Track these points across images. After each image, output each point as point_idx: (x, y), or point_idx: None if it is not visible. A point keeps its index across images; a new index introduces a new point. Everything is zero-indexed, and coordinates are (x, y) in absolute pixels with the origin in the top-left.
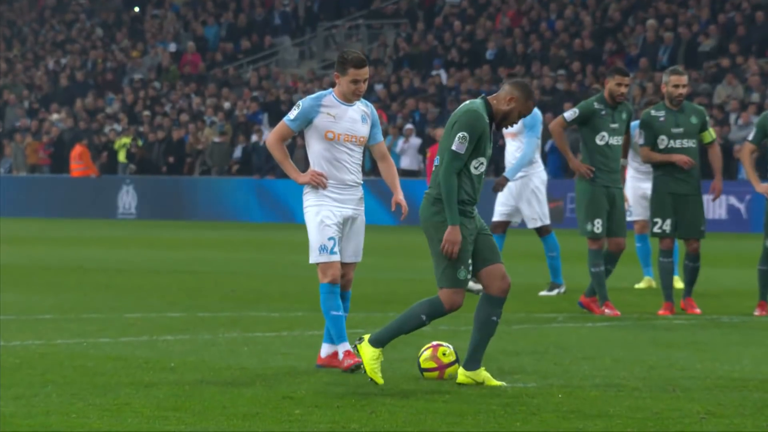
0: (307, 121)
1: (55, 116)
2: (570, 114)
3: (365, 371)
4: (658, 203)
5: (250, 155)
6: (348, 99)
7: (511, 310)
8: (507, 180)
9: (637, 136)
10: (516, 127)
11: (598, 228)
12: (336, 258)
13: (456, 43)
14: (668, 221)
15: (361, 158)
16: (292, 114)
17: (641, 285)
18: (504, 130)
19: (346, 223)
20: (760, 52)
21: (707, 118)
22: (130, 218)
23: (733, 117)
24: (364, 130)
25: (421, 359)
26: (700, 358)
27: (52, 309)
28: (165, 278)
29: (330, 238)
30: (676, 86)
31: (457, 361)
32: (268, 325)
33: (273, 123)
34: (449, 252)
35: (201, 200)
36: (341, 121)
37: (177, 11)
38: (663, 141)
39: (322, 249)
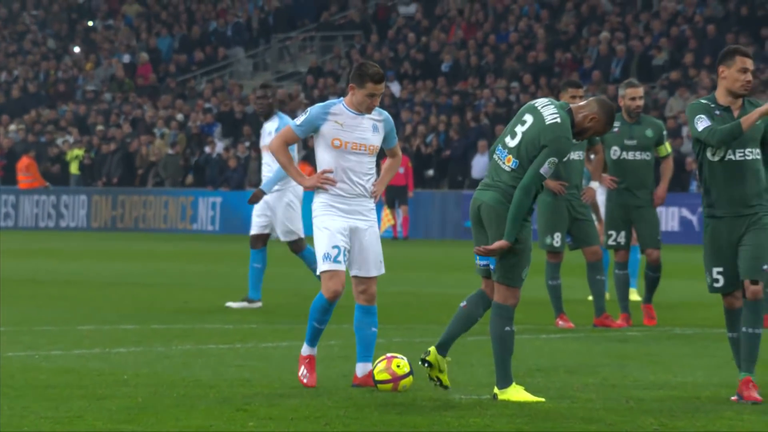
0: (313, 128)
1: (12, 127)
2: None
3: (440, 383)
4: (611, 216)
5: (204, 167)
6: (359, 110)
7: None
8: (263, 192)
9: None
10: (270, 139)
11: (557, 242)
12: (340, 267)
13: (410, 55)
14: (622, 233)
15: (374, 168)
16: (299, 119)
17: (632, 297)
18: (261, 143)
19: (355, 235)
20: (713, 66)
21: (665, 132)
22: (82, 230)
23: (685, 130)
24: (374, 139)
25: (375, 371)
26: (653, 369)
27: (4, 321)
28: (118, 290)
29: (335, 247)
30: (633, 99)
31: (411, 373)
32: (222, 337)
33: (227, 134)
34: (488, 253)
35: (154, 212)
36: (350, 130)
37: (130, 23)
38: (615, 152)
39: (326, 257)
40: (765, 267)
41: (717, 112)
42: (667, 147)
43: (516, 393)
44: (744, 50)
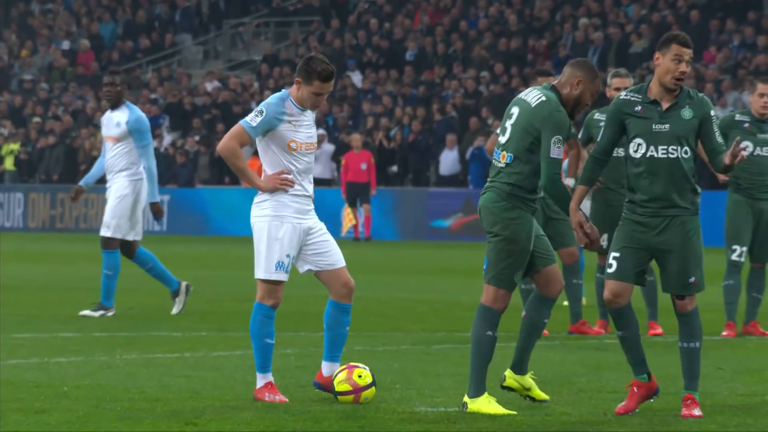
0: (269, 128)
1: None
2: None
3: (533, 399)
4: (594, 216)
5: None
6: (304, 106)
7: (431, 329)
8: (83, 189)
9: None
10: (118, 130)
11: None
12: (286, 278)
13: (372, 42)
14: (605, 235)
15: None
16: (254, 120)
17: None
18: (105, 133)
19: (311, 233)
20: (696, 54)
21: None
22: (18, 230)
23: None
24: (316, 134)
25: (335, 381)
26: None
27: None
28: (57, 295)
29: (288, 255)
30: (618, 89)
31: (373, 383)
32: (169, 345)
33: (175, 127)
34: (589, 245)
35: (97, 211)
36: (301, 129)
37: (70, 7)
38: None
39: (279, 266)
40: (692, 280)
41: (637, 108)
42: None
43: (487, 404)
44: (683, 38)
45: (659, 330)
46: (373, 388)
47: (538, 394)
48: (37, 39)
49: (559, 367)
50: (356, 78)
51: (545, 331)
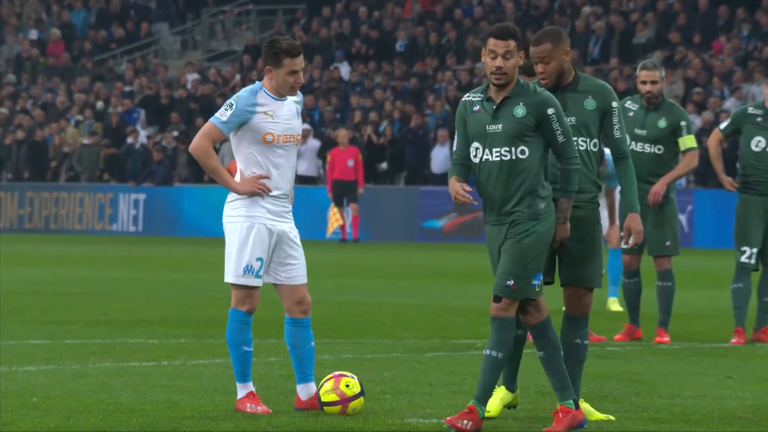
0: (241, 122)
1: None
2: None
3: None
4: (622, 216)
5: (125, 159)
6: (281, 94)
7: (423, 336)
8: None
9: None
10: None
11: None
12: (259, 283)
13: (360, 32)
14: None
15: (296, 161)
16: (224, 115)
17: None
18: None
19: (282, 239)
20: (704, 44)
21: (684, 123)
22: None
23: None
24: (299, 126)
25: (321, 392)
26: (635, 389)
27: None
28: (26, 300)
29: (258, 259)
30: (644, 83)
31: (362, 393)
32: (145, 353)
33: (151, 122)
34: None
35: (68, 211)
36: (279, 120)
37: None
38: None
39: (248, 269)
40: (509, 282)
41: (475, 108)
42: (686, 141)
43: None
44: (498, 31)
45: (666, 338)
46: (362, 398)
47: (598, 416)
48: (5, 28)
49: None
50: (344, 70)
51: None
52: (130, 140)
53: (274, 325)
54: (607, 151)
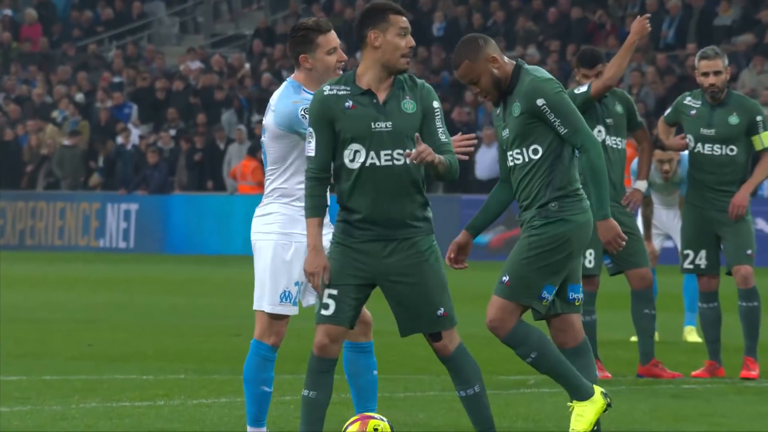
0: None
1: None
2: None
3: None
4: (687, 230)
5: (114, 163)
6: (323, 81)
7: (438, 371)
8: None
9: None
10: None
11: (590, 262)
12: (293, 312)
13: None
14: (703, 252)
15: None
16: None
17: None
18: None
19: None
20: None
21: (759, 117)
22: None
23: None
24: None
25: None
26: None
27: None
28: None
29: (297, 284)
30: (705, 74)
31: None
32: (138, 390)
33: (144, 119)
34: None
35: (46, 223)
36: None
37: None
38: (691, 142)
39: (285, 297)
40: (440, 312)
41: (348, 104)
42: (764, 138)
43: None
44: (398, 7)
45: (755, 372)
46: None
47: None
48: None
49: (626, 419)
50: None
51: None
52: (120, 140)
53: (289, 359)
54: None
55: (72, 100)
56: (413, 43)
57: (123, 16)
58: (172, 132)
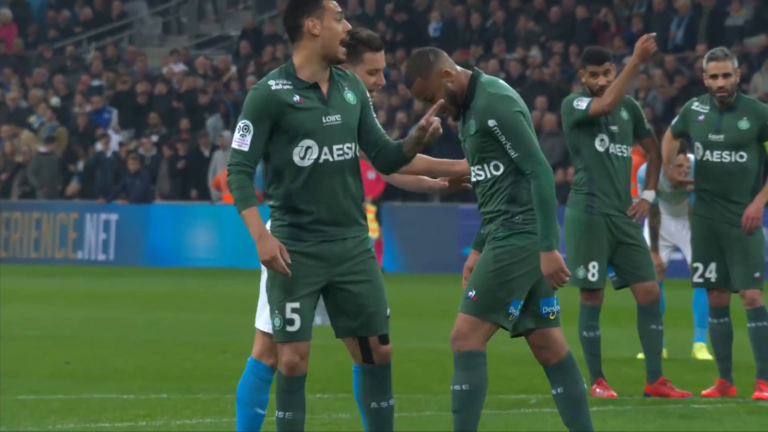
0: None
1: None
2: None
3: None
4: (696, 242)
5: (93, 171)
6: None
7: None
8: None
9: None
10: None
11: (593, 275)
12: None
13: (385, 12)
14: (712, 265)
15: None
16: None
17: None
18: None
19: None
20: None
21: None
22: None
23: None
24: None
25: None
26: None
27: None
28: None
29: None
30: (714, 77)
31: None
32: (119, 411)
33: (126, 124)
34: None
35: (21, 235)
36: None
37: None
38: (698, 150)
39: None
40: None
41: (296, 98)
42: None
43: None
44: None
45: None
46: None
47: None
48: None
49: None
50: None
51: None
52: (99, 147)
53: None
54: (691, 156)
55: (48, 105)
56: (349, 27)
57: (102, 15)
58: (154, 138)
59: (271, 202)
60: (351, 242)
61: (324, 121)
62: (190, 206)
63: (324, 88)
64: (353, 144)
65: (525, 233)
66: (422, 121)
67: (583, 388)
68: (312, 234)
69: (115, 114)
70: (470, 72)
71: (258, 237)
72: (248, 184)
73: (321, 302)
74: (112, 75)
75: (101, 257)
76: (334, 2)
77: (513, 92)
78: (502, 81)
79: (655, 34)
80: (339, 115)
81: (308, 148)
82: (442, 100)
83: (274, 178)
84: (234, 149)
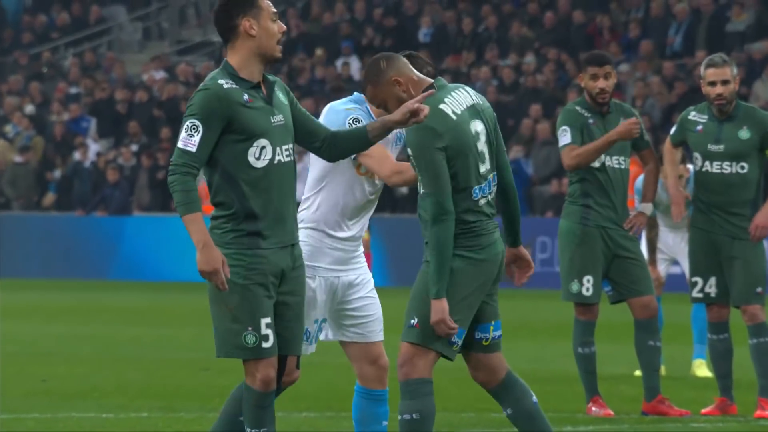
0: None
1: None
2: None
3: None
4: (695, 256)
5: (70, 181)
6: (379, 115)
7: (455, 408)
8: None
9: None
10: None
11: (588, 289)
12: (312, 350)
13: (374, 17)
14: (712, 279)
15: None
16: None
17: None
18: None
19: (347, 290)
20: None
21: None
22: None
23: None
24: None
25: None
26: None
27: None
28: None
29: (316, 321)
30: (712, 84)
31: None
32: (98, 431)
33: (105, 133)
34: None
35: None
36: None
37: None
38: (697, 161)
39: (309, 336)
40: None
41: (245, 97)
42: None
43: None
44: None
45: None
46: None
47: None
48: None
49: None
50: (354, 65)
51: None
52: (77, 156)
53: (282, 393)
54: (690, 166)
55: (24, 113)
56: (285, 27)
57: (80, 20)
58: (134, 147)
59: (215, 212)
60: (293, 250)
61: (272, 120)
62: (171, 218)
63: (264, 89)
64: (293, 145)
65: (456, 257)
66: (411, 105)
67: (533, 401)
68: (268, 241)
69: (93, 123)
70: (431, 81)
71: (202, 246)
72: (193, 187)
73: (327, 317)
74: (90, 82)
75: (78, 270)
76: (269, 2)
77: (449, 120)
78: (456, 97)
79: (640, 121)
80: (281, 116)
81: (263, 147)
82: (423, 95)
83: (224, 183)
84: (179, 149)
